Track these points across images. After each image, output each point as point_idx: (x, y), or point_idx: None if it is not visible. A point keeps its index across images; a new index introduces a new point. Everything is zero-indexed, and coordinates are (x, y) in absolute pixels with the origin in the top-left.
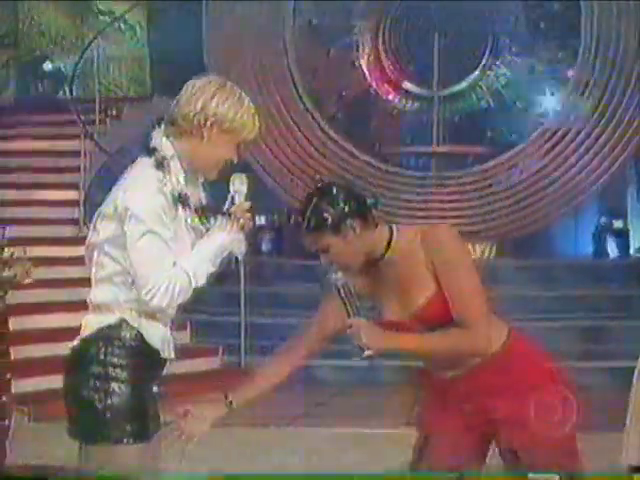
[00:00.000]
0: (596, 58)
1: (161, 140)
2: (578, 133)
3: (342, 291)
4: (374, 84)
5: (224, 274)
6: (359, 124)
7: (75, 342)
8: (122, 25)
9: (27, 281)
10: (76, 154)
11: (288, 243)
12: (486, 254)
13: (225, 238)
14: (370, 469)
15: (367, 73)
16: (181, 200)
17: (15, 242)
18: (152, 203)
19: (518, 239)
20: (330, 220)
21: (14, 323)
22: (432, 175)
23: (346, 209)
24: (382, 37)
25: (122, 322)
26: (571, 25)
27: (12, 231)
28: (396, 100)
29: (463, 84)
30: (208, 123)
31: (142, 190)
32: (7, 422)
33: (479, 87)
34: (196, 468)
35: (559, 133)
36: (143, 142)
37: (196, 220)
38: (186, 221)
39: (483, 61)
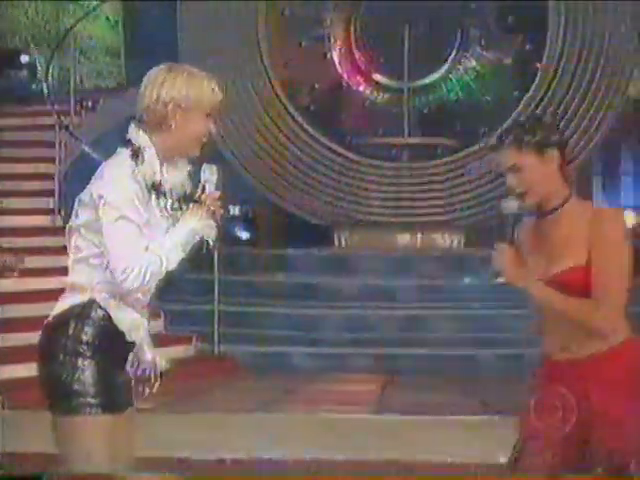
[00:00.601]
0: (563, 51)
1: (136, 133)
2: None
3: (509, 218)
4: (346, 76)
5: (199, 260)
6: (331, 115)
7: (49, 319)
8: (98, 17)
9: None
10: (51, 145)
11: (262, 233)
12: (455, 243)
13: (196, 224)
14: (337, 455)
15: (339, 65)
16: (154, 188)
17: None
18: (125, 190)
19: (486, 229)
20: (541, 138)
21: None
22: (403, 166)
23: (557, 138)
24: (353, 29)
25: (93, 302)
26: (538, 18)
27: None
28: (367, 92)
29: (433, 76)
30: (169, 110)
31: (116, 178)
32: None
33: (449, 79)
34: (172, 452)
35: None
36: (120, 134)
37: (175, 207)
38: (165, 208)
39: (453, 54)
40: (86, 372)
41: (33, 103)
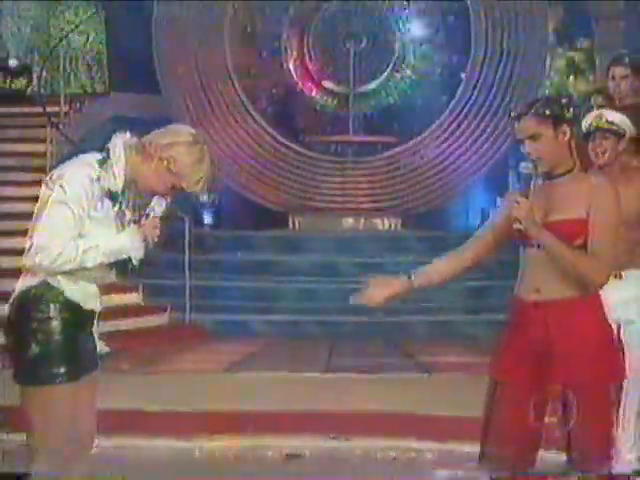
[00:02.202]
0: (483, 64)
1: (120, 146)
2: (469, 126)
3: (523, 175)
4: (299, 83)
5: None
6: (287, 117)
7: (11, 300)
8: (86, 29)
9: None
10: (43, 141)
11: (227, 218)
12: (393, 226)
13: (129, 244)
14: (290, 406)
15: (293, 73)
16: (111, 196)
17: None
18: (79, 185)
19: (420, 214)
20: (558, 114)
21: None
22: (348, 160)
23: (571, 116)
24: (306, 43)
25: (44, 283)
26: (463, 36)
27: None
28: (318, 96)
29: (374, 84)
30: (164, 156)
31: (77, 171)
32: None
33: (388, 86)
34: (146, 407)
35: (453, 125)
36: (103, 132)
37: (129, 219)
38: (122, 213)
39: (391, 65)
40: (47, 346)
41: (28, 104)
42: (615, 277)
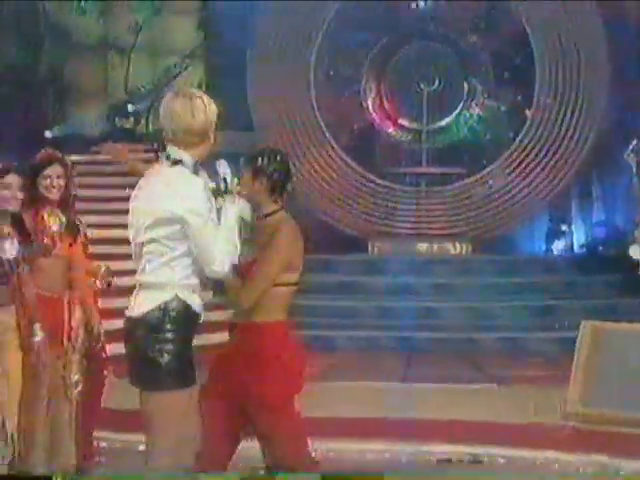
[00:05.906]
0: (547, 102)
1: (179, 152)
2: (534, 158)
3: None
4: (378, 120)
5: None
6: (366, 150)
7: (136, 314)
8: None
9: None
10: None
11: (313, 242)
12: (464, 251)
13: (236, 211)
14: (367, 413)
15: (372, 112)
16: (213, 193)
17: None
18: (203, 200)
19: (489, 239)
20: (258, 167)
21: None
22: (422, 190)
23: (268, 173)
24: (384, 84)
25: (175, 297)
26: (528, 75)
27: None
28: (394, 132)
29: (446, 120)
30: (212, 128)
31: (194, 192)
32: (105, 373)
33: (458, 123)
34: None
35: (519, 158)
36: (164, 155)
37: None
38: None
39: (461, 103)
40: (175, 355)
41: (138, 142)
42: None
